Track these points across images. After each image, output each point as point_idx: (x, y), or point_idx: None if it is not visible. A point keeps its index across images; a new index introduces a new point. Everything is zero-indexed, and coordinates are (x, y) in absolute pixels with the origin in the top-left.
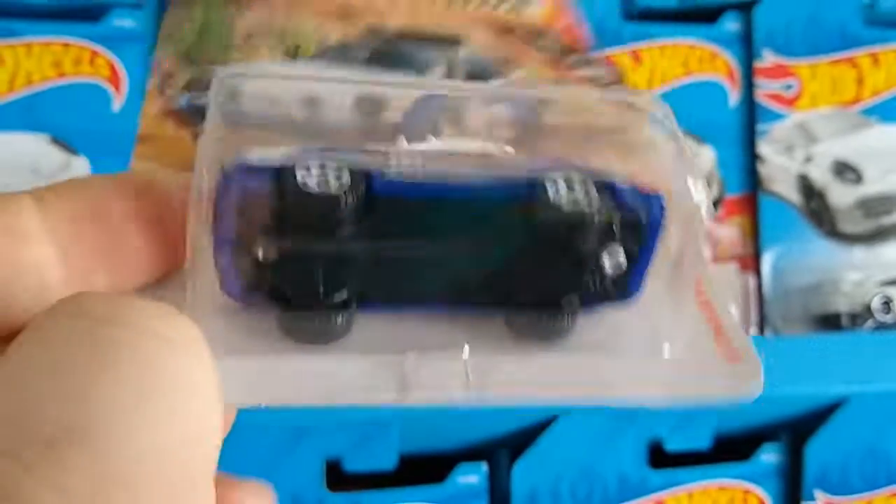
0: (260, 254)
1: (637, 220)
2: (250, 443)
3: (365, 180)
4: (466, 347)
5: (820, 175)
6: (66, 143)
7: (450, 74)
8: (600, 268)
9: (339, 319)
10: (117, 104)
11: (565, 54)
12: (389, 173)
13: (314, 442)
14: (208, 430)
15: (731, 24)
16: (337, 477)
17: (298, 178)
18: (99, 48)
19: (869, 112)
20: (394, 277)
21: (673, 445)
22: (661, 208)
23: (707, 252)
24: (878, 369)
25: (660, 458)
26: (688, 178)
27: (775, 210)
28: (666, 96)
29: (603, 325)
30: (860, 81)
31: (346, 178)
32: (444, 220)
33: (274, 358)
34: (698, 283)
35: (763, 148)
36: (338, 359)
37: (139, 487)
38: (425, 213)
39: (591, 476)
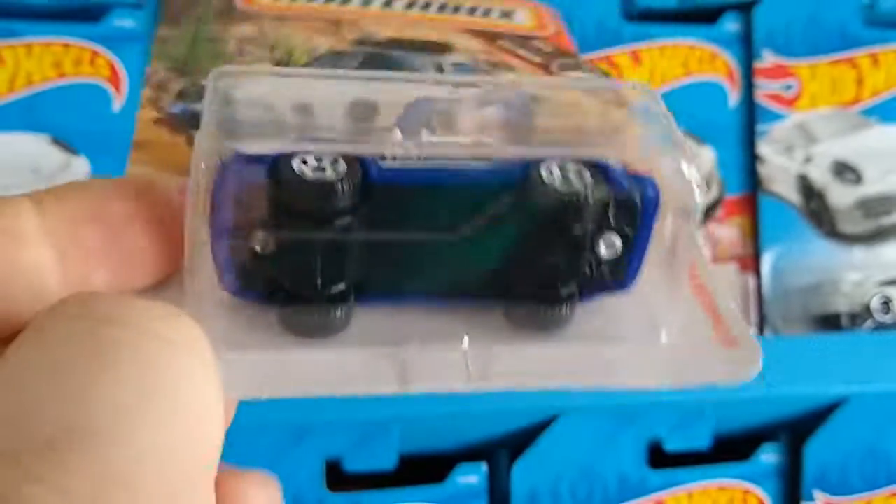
0: (257, 245)
1: (632, 202)
2: (250, 443)
3: (361, 168)
4: (466, 338)
5: (820, 175)
6: (66, 143)
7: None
8: (596, 252)
9: (339, 312)
10: (117, 104)
11: (553, 58)
12: (385, 161)
13: (314, 442)
14: (209, 430)
15: (730, 24)
16: (337, 477)
17: (295, 166)
18: (99, 48)
19: (869, 112)
20: (391, 266)
21: (673, 445)
22: (656, 190)
23: (701, 238)
24: (877, 369)
25: (660, 458)
26: (680, 159)
27: (775, 210)
28: (666, 97)
29: (600, 313)
30: (860, 82)
31: (342, 166)
32: (440, 206)
33: (274, 351)
34: (693, 268)
35: (763, 148)
36: (338, 351)
37: (140, 488)
38: (421, 200)
39: (591, 476)
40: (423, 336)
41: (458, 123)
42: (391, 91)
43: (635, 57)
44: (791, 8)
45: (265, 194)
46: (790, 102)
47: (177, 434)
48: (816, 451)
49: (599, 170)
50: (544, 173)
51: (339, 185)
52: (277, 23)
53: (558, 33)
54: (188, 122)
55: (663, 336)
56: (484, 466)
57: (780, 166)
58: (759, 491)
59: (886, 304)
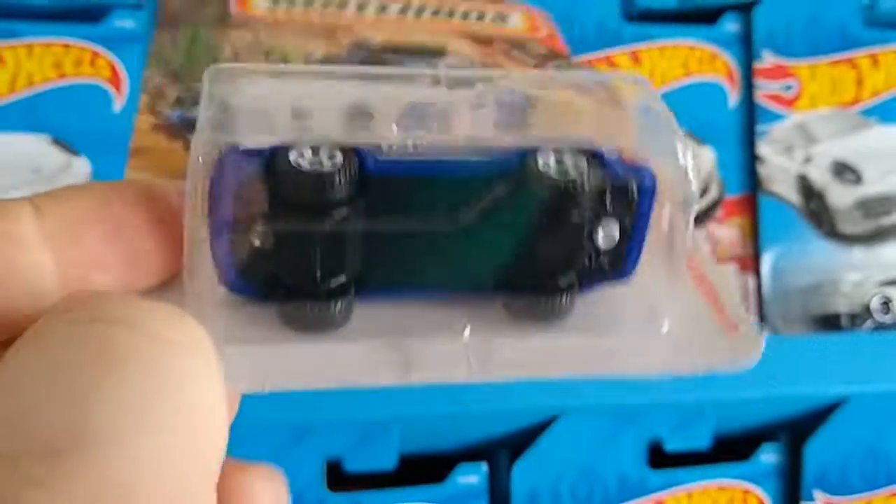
0: (256, 239)
1: (628, 189)
2: (250, 443)
3: (357, 160)
4: (467, 329)
5: (819, 175)
6: (67, 143)
7: (434, 83)
8: (594, 241)
9: (339, 306)
10: (118, 105)
11: (546, 60)
12: (381, 153)
13: (315, 442)
14: (212, 435)
15: (730, 24)
16: (337, 477)
17: (291, 158)
18: (100, 49)
19: (868, 113)
20: (390, 259)
21: (673, 445)
22: (652, 177)
23: (701, 235)
24: (877, 369)
25: (660, 458)
26: (675, 146)
27: (775, 210)
28: (666, 97)
29: (600, 304)
30: (860, 82)
31: (338, 157)
32: (437, 197)
33: (275, 344)
34: (692, 257)
35: (763, 148)
36: (339, 343)
37: (141, 493)
38: (418, 192)
39: (591, 476)
40: (423, 329)
41: (453, 124)
42: (387, 93)
43: (635, 57)
44: (791, 8)
45: (262, 187)
46: (790, 103)
47: (179, 439)
48: (816, 451)
49: (595, 158)
50: (540, 162)
51: (336, 176)
52: (273, 29)
53: (551, 36)
54: (185, 129)
55: (664, 325)
56: (484, 466)
57: (779, 166)
58: (759, 491)
59: (886, 304)
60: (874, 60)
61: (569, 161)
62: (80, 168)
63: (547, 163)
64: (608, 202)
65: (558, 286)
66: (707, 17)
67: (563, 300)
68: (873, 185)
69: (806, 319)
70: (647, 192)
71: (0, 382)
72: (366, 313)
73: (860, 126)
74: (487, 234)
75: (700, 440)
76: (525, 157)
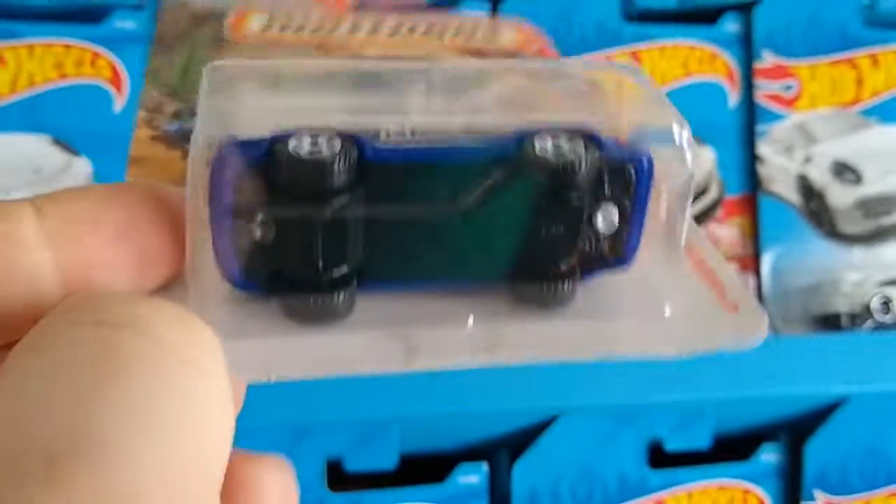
0: (257, 231)
1: (626, 171)
2: (251, 443)
3: (356, 148)
4: (471, 318)
5: (819, 175)
6: (67, 144)
7: (429, 91)
8: (594, 226)
9: (341, 297)
10: (119, 105)
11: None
12: (379, 141)
13: (315, 442)
14: (217, 440)
15: (730, 24)
16: (338, 477)
17: (290, 147)
18: (100, 49)
19: (868, 113)
20: (391, 249)
21: (673, 445)
22: (650, 159)
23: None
24: (877, 369)
25: (660, 457)
26: (672, 126)
27: (775, 210)
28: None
29: (602, 291)
30: (860, 82)
31: (337, 145)
32: (436, 183)
33: (279, 336)
34: (690, 244)
35: (763, 148)
36: (343, 333)
37: (143, 499)
38: (417, 178)
39: (591, 476)
40: (427, 318)
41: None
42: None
43: (635, 57)
44: (791, 8)
45: (262, 178)
46: (790, 103)
47: (184, 444)
48: (816, 450)
49: (592, 141)
50: (537, 145)
51: (336, 163)
52: (266, 51)
53: (542, 50)
54: (183, 139)
55: (666, 309)
56: (484, 466)
57: (779, 166)
58: (759, 491)
59: (886, 304)
60: (874, 60)
61: (566, 144)
62: (81, 168)
63: (544, 146)
64: (606, 184)
65: (560, 272)
66: (707, 17)
67: (565, 286)
68: (873, 185)
69: (806, 319)
70: (645, 174)
71: (1, 385)
72: (368, 305)
73: (860, 126)
74: (487, 220)
75: (700, 440)
76: (522, 141)
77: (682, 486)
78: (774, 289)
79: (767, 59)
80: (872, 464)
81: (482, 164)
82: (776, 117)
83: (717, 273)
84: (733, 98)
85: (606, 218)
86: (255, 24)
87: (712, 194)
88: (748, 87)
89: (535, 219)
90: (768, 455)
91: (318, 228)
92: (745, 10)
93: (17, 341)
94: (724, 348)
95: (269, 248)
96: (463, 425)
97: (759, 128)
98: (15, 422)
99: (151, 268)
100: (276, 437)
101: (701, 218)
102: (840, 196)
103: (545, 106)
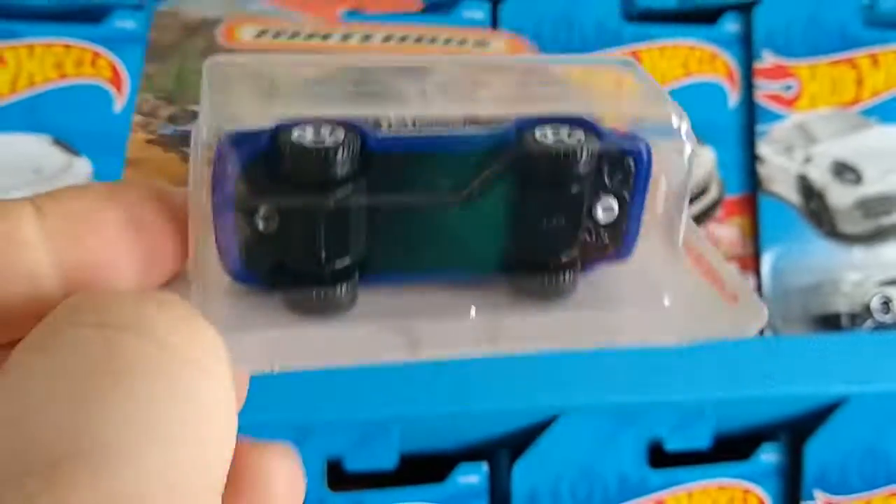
0: (260, 222)
1: (625, 160)
2: None
3: (359, 137)
4: (473, 309)
5: (819, 175)
6: (67, 143)
7: (423, 97)
8: (594, 217)
9: (344, 289)
10: (119, 105)
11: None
12: (381, 131)
13: (315, 441)
14: (220, 444)
15: (730, 24)
16: (338, 476)
17: (294, 136)
18: (100, 49)
19: (868, 113)
20: (393, 240)
21: (673, 445)
22: (648, 149)
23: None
24: (877, 369)
25: (660, 457)
26: (671, 119)
27: (775, 210)
28: None
29: (602, 284)
30: (860, 82)
31: (340, 135)
32: (438, 173)
33: (283, 328)
34: (688, 240)
35: (763, 148)
36: (346, 325)
37: None
38: (419, 168)
39: (591, 476)
40: (430, 310)
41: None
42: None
43: (635, 57)
44: (791, 8)
45: (266, 168)
46: (790, 103)
47: (187, 450)
48: (816, 450)
49: (591, 131)
50: (538, 134)
51: (339, 152)
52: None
53: None
54: (179, 142)
55: (666, 299)
56: (484, 466)
57: (779, 166)
58: (759, 490)
59: (886, 304)
60: (874, 60)
61: (565, 133)
62: (81, 168)
63: (544, 134)
64: (605, 173)
65: (560, 264)
66: (707, 17)
67: (566, 278)
68: (873, 185)
69: (806, 319)
70: (644, 164)
71: (3, 384)
72: (371, 299)
73: (860, 126)
74: (489, 210)
75: (700, 440)
76: (522, 130)
77: (682, 485)
78: (774, 289)
79: (767, 59)
80: (872, 463)
81: (483, 153)
82: (776, 117)
83: (716, 268)
84: (733, 98)
85: (606, 208)
86: (246, 34)
87: (712, 194)
88: (748, 87)
89: (536, 208)
90: (768, 455)
91: (321, 218)
92: (745, 10)
93: (18, 340)
94: (724, 336)
95: (272, 239)
96: (463, 425)
97: (759, 128)
98: (16, 423)
99: (152, 266)
100: (276, 437)
101: (701, 218)
102: (840, 196)
103: (544, 98)
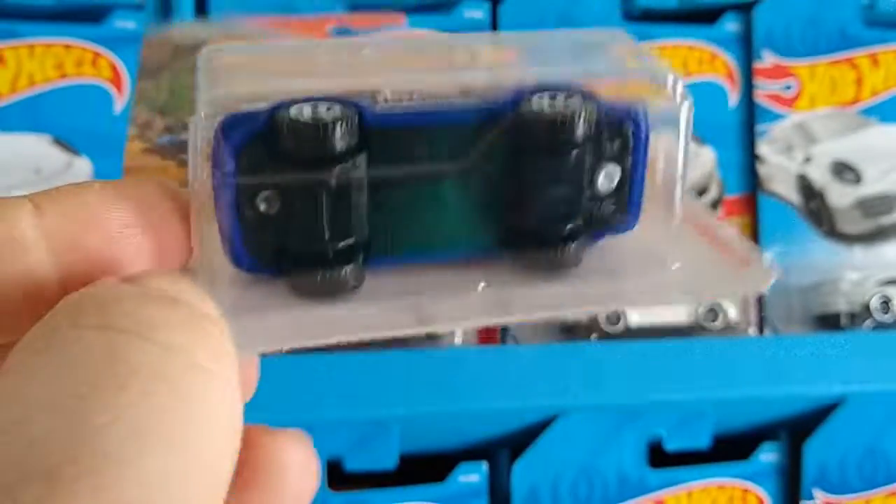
0: (262, 204)
1: (623, 127)
2: None
3: (357, 112)
4: (481, 284)
5: (819, 175)
6: (67, 143)
7: (421, 59)
8: (595, 186)
9: (348, 270)
10: (119, 105)
11: None
12: (379, 106)
13: (315, 441)
14: (224, 449)
15: (730, 24)
16: (338, 476)
17: (292, 114)
18: (101, 49)
19: (868, 112)
20: (396, 218)
21: (672, 445)
22: (646, 114)
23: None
24: (876, 369)
25: (659, 457)
26: (667, 82)
27: (775, 210)
28: None
29: (609, 254)
30: (859, 82)
31: (338, 110)
32: (437, 146)
33: (290, 309)
34: (692, 211)
35: (762, 148)
36: (355, 304)
37: None
38: (418, 142)
39: (591, 476)
40: (437, 287)
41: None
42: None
43: None
44: (791, 8)
45: (265, 148)
46: (790, 102)
47: (190, 456)
48: (816, 450)
49: (588, 98)
50: (534, 102)
51: (338, 127)
52: None
53: None
54: (176, 150)
55: (674, 263)
56: (484, 465)
57: (779, 166)
58: (758, 490)
59: (886, 303)
60: (874, 60)
61: (562, 100)
62: (81, 168)
63: (541, 102)
64: (604, 140)
65: (565, 235)
66: (707, 17)
67: (571, 249)
68: (873, 185)
69: (806, 319)
70: (643, 130)
71: (3, 384)
72: (377, 280)
73: (860, 126)
74: (490, 180)
75: (700, 440)
76: (520, 98)
77: (681, 485)
78: (774, 288)
79: (767, 59)
80: (871, 463)
81: (481, 123)
82: (776, 117)
83: (721, 235)
84: (733, 98)
85: (607, 175)
86: None
87: (712, 194)
88: (748, 87)
89: (536, 176)
90: (768, 454)
91: (322, 195)
92: (745, 10)
93: (17, 341)
94: (733, 294)
95: (275, 222)
96: (463, 425)
97: (759, 127)
98: (15, 427)
99: (153, 265)
100: None
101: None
102: (840, 196)
103: (542, 63)
